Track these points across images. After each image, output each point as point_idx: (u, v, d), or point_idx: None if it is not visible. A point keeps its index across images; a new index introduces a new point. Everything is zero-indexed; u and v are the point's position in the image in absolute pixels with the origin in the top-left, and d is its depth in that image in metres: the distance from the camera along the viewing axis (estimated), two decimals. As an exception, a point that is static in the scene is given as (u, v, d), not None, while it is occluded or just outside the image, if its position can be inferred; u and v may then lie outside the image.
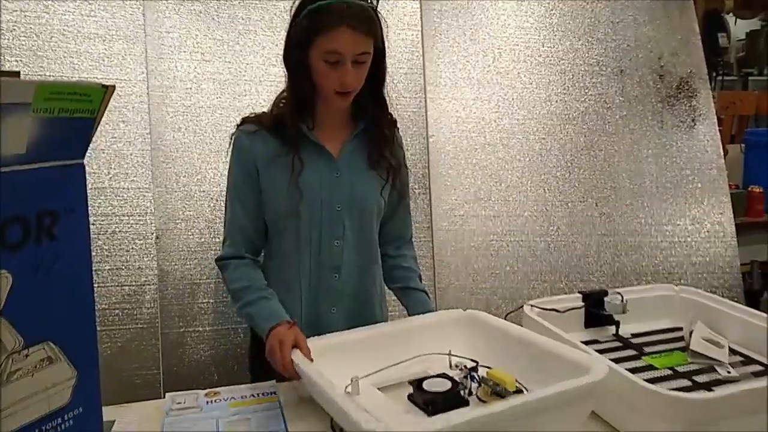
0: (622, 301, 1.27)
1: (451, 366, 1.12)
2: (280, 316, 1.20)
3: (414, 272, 1.45)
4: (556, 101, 2.22)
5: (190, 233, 1.84)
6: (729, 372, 1.13)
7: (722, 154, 2.33)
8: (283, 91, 1.31)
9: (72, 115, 0.83)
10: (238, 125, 1.32)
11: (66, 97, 0.81)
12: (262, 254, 1.39)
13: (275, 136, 1.28)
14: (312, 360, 1.07)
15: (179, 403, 1.09)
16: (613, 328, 1.29)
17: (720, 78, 3.78)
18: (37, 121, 0.78)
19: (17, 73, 0.83)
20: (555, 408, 0.87)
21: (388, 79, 1.33)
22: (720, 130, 2.48)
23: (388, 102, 1.35)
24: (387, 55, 1.31)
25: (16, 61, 1.68)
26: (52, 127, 0.81)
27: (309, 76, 1.24)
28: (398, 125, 1.41)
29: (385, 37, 1.29)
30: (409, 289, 1.42)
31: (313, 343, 1.11)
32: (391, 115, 1.38)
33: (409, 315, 1.38)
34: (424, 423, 0.93)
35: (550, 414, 0.88)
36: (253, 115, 1.33)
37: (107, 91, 0.86)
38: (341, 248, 1.31)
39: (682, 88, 2.32)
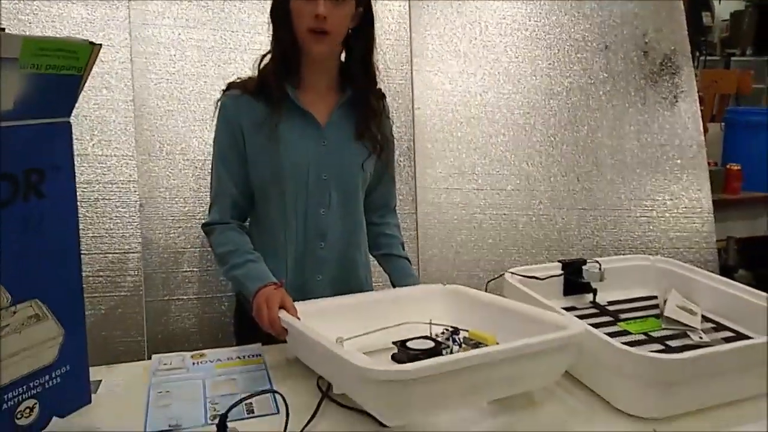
0: (599, 269, 1.31)
1: (431, 334, 1.15)
2: (267, 277, 1.21)
3: (397, 239, 1.47)
4: (541, 76, 2.23)
5: (174, 201, 1.84)
6: (701, 337, 1.17)
7: (702, 131, 2.36)
8: (266, 53, 1.30)
9: (59, 72, 0.83)
10: (223, 90, 1.32)
11: (53, 54, 0.81)
12: (248, 220, 1.40)
13: (260, 101, 1.27)
14: (299, 319, 1.09)
15: (166, 364, 1.10)
16: (590, 296, 1.32)
17: (703, 57, 3.82)
18: (25, 77, 0.79)
19: (2, 29, 0.83)
20: (532, 358, 0.90)
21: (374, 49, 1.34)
22: (701, 109, 2.52)
23: (377, 74, 1.35)
24: (375, 25, 1.31)
25: (-3, 23, 1.65)
26: (40, 84, 0.81)
27: (290, 23, 1.24)
28: (386, 96, 1.42)
29: (372, 5, 1.29)
30: (391, 256, 1.44)
31: (300, 307, 1.13)
32: (380, 88, 1.38)
33: (392, 281, 1.41)
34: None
35: (527, 364, 0.91)
36: (238, 80, 1.32)
37: (94, 48, 0.86)
38: (327, 216, 1.32)
39: (665, 65, 2.34)
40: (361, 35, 1.28)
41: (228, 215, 1.33)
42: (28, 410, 0.90)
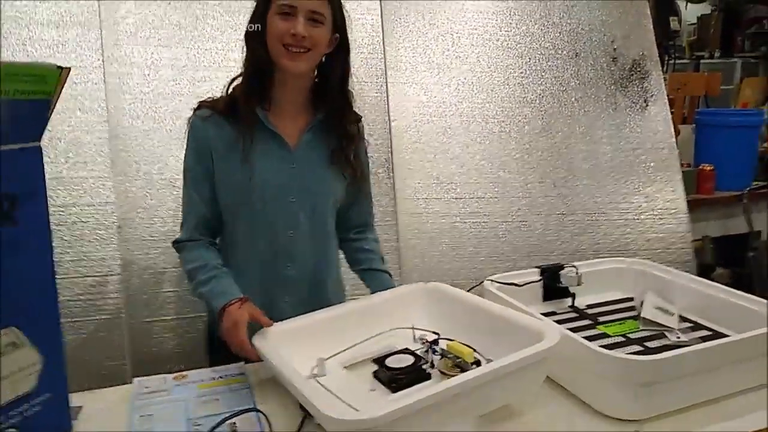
0: (576, 273, 1.32)
1: (415, 339, 1.16)
2: (230, 293, 1.21)
3: (376, 254, 1.47)
4: (514, 84, 2.26)
5: (152, 222, 1.83)
6: (678, 337, 1.19)
7: (674, 133, 2.41)
8: (238, 75, 1.30)
9: (28, 96, 0.82)
10: (193, 110, 1.32)
11: (21, 79, 0.80)
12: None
13: (230, 121, 1.27)
14: (270, 324, 1.09)
15: (147, 387, 1.09)
16: (568, 301, 1.34)
17: (672, 61, 3.89)
18: (-7, 103, 0.78)
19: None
20: (511, 376, 0.91)
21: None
22: (672, 111, 2.57)
23: (353, 99, 1.34)
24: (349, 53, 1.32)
25: (-34, 48, 1.64)
26: (9, 110, 0.80)
27: (264, 40, 1.24)
28: (362, 118, 1.41)
29: (348, 31, 1.30)
30: (371, 270, 1.44)
31: (278, 327, 1.12)
32: (356, 112, 1.37)
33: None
34: (380, 402, 0.94)
35: (507, 383, 0.92)
36: (209, 100, 1.32)
37: (62, 72, 0.85)
38: (295, 237, 1.32)
39: (634, 70, 2.39)
40: (336, 61, 1.29)
41: (197, 233, 1.32)
42: (7, 440, 0.88)
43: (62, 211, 1.71)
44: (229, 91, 1.30)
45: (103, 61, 1.78)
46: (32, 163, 0.89)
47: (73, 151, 1.73)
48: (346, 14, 1.29)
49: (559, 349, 0.94)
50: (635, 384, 0.96)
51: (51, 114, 0.89)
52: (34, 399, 0.92)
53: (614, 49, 2.37)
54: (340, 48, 1.28)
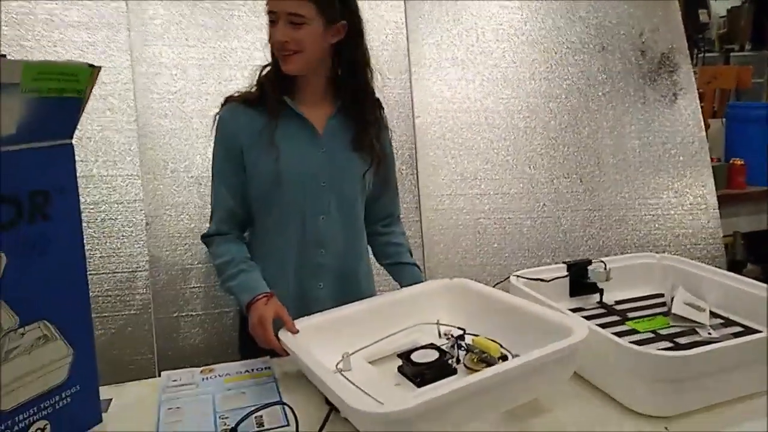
0: (605, 269, 1.30)
1: (440, 335, 1.15)
2: (257, 289, 1.22)
3: (404, 247, 1.47)
4: (540, 79, 2.24)
5: (179, 219, 1.85)
6: (710, 333, 1.17)
7: (704, 127, 2.36)
8: (266, 65, 1.32)
9: (60, 94, 0.84)
10: (221, 104, 1.34)
11: (54, 77, 0.82)
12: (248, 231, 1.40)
13: (259, 111, 1.29)
14: (297, 331, 1.08)
15: (175, 380, 1.11)
16: (596, 296, 1.32)
17: (702, 54, 3.81)
18: (27, 101, 0.80)
19: (2, 56, 0.85)
20: (538, 371, 0.90)
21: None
22: (702, 105, 2.52)
23: (373, 85, 1.35)
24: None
25: (2, 50, 1.68)
26: (41, 107, 0.82)
27: None
28: (384, 107, 1.42)
29: (358, 18, 1.30)
30: (400, 264, 1.44)
31: (304, 322, 1.12)
32: (377, 99, 1.38)
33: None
34: (406, 397, 0.94)
35: (534, 377, 0.91)
36: (236, 94, 1.34)
37: (94, 71, 0.87)
38: (326, 223, 1.33)
39: (663, 63, 2.34)
40: (347, 47, 1.29)
41: (226, 226, 1.34)
42: (39, 431, 0.90)
43: (92, 209, 1.74)
44: (258, 79, 1.33)
45: (131, 61, 1.81)
46: (64, 160, 0.92)
47: (102, 150, 1.76)
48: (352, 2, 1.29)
49: (587, 345, 0.93)
50: (666, 380, 0.94)
51: (82, 112, 0.91)
52: (65, 391, 0.94)
53: (642, 43, 2.33)
54: (351, 34, 1.28)
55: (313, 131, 1.32)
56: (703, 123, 2.36)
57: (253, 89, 1.32)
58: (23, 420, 0.88)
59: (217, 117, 1.33)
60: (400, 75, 2.10)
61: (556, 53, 2.26)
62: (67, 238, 0.94)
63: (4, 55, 0.94)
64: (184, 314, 1.84)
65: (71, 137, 0.92)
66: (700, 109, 2.37)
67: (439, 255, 2.10)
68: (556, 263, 1.37)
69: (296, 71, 1.28)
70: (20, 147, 0.82)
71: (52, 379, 0.93)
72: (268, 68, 1.32)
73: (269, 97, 1.29)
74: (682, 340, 1.14)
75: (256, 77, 1.33)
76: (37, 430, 0.90)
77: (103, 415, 1.01)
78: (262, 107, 1.29)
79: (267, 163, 1.28)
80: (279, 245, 1.34)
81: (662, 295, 1.36)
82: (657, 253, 1.48)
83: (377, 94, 1.38)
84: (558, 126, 2.23)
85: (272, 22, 1.24)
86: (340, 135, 1.34)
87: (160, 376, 1.14)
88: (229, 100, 1.33)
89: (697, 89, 2.39)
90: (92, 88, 0.89)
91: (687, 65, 2.39)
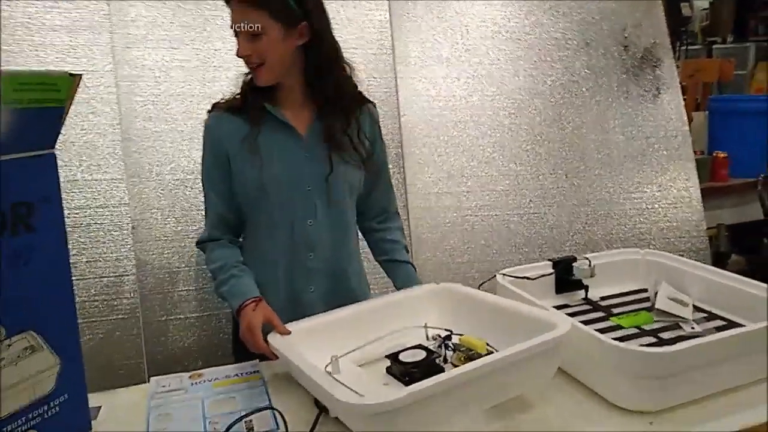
0: (589, 265, 1.32)
1: (428, 338, 1.16)
2: (246, 294, 1.24)
3: (400, 244, 1.47)
4: (524, 76, 2.25)
5: (166, 222, 1.85)
6: (693, 328, 1.18)
7: (687, 121, 2.38)
8: (248, 72, 1.32)
9: (41, 105, 0.84)
10: (208, 111, 1.34)
11: (34, 88, 0.82)
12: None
13: (243, 118, 1.29)
14: (288, 332, 1.10)
15: (164, 386, 1.10)
16: (581, 293, 1.34)
17: (684, 47, 3.84)
18: (7, 112, 0.79)
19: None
20: (521, 365, 0.91)
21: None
22: (685, 99, 2.54)
23: (354, 79, 1.34)
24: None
25: (-20, 55, 1.66)
26: (22, 118, 0.82)
27: None
28: (371, 99, 1.41)
29: (319, 16, 1.27)
30: (395, 262, 1.45)
31: (293, 326, 1.13)
32: (359, 93, 1.38)
33: (396, 288, 1.41)
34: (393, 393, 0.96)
35: (518, 371, 0.92)
36: (222, 100, 1.34)
37: (75, 79, 0.87)
38: (314, 227, 1.33)
39: (646, 58, 2.36)
40: (312, 48, 1.28)
41: (218, 232, 1.35)
42: (28, 441, 0.90)
43: (77, 214, 1.73)
44: (242, 87, 1.32)
45: (114, 64, 1.80)
46: (47, 169, 0.91)
47: (86, 155, 1.75)
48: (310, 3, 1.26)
49: (571, 342, 0.94)
50: (650, 376, 0.95)
51: (64, 121, 0.90)
52: (53, 400, 0.94)
53: (625, 38, 2.35)
54: (314, 33, 1.26)
55: (297, 136, 1.31)
56: (686, 116, 2.38)
57: (238, 96, 1.32)
58: (12, 431, 0.88)
59: (205, 124, 1.34)
60: (385, 74, 2.10)
61: (540, 50, 2.28)
62: (52, 248, 0.93)
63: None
64: (172, 317, 1.83)
65: (53, 146, 0.91)
66: (683, 103, 2.39)
67: (426, 252, 2.11)
68: (543, 259, 1.38)
69: (267, 82, 1.28)
70: (2, 158, 0.82)
71: (40, 390, 0.92)
72: (251, 77, 1.31)
73: (251, 105, 1.29)
74: (666, 335, 1.16)
75: (243, 83, 1.32)
76: (25, 440, 0.90)
77: (93, 422, 1.01)
78: (246, 114, 1.29)
79: (252, 171, 1.29)
80: (269, 250, 1.34)
81: (645, 291, 1.37)
82: (642, 247, 1.50)
83: (360, 88, 1.38)
84: (543, 122, 2.25)
85: (236, 35, 1.24)
86: (323, 137, 1.33)
87: (149, 380, 1.14)
88: (215, 107, 1.34)
89: (680, 82, 2.41)
90: (73, 97, 0.89)
91: (669, 59, 2.41)
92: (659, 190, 2.29)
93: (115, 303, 1.74)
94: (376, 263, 1.50)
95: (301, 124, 1.32)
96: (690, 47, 4.14)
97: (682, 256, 1.42)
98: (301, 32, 1.25)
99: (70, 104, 0.89)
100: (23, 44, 1.72)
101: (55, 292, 0.95)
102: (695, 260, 1.40)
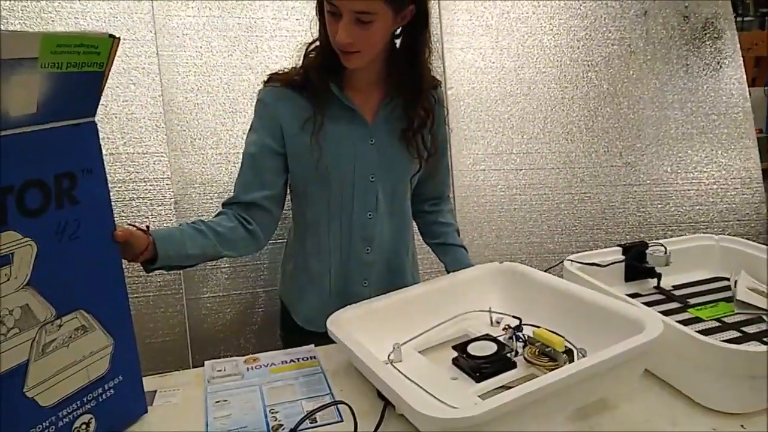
0: (665, 252, 1.23)
1: (492, 322, 1.10)
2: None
3: (452, 227, 1.41)
4: (578, 47, 2.14)
5: (208, 196, 1.80)
6: (777, 321, 1.10)
7: (748, 97, 2.25)
8: (314, 41, 1.20)
9: (81, 69, 0.77)
10: (264, 82, 1.23)
11: (73, 50, 0.75)
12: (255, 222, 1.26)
13: (305, 96, 1.19)
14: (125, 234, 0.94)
15: (219, 370, 1.06)
16: (653, 281, 1.25)
17: (740, 19, 3.65)
18: (46, 77, 0.73)
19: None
20: (611, 370, 0.84)
21: None
22: (743, 74, 2.39)
23: (429, 71, 1.23)
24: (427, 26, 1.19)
25: (20, 23, 1.61)
26: (62, 83, 0.75)
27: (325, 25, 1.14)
28: (441, 82, 1.32)
29: (428, 4, 1.16)
30: (447, 245, 1.38)
31: (351, 311, 1.06)
32: (433, 77, 1.26)
33: (447, 272, 1.34)
34: (467, 393, 0.90)
35: (606, 376, 0.85)
36: (281, 71, 1.23)
37: (114, 41, 0.80)
38: (373, 221, 1.25)
39: (707, 29, 2.22)
40: (410, 32, 1.16)
41: (228, 208, 1.21)
42: (84, 426, 0.87)
43: (119, 187, 1.69)
44: (303, 60, 1.21)
45: (155, 33, 1.74)
46: (89, 139, 0.85)
47: (128, 127, 1.70)
48: None
49: (661, 341, 0.86)
50: (743, 376, 0.88)
51: (104, 87, 0.84)
52: (107, 382, 0.90)
53: (686, 7, 2.21)
54: (417, 17, 1.14)
55: (362, 121, 1.21)
56: (748, 92, 2.24)
57: (298, 70, 1.20)
58: (67, 415, 0.84)
59: (259, 95, 1.22)
60: (432, 44, 2.00)
61: (594, 19, 2.15)
62: (98, 222, 0.88)
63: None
64: (214, 294, 1.80)
65: (94, 114, 0.85)
66: (745, 78, 2.25)
67: (472, 233, 2.04)
68: (594, 241, 1.30)
69: (358, 66, 1.15)
70: (42, 127, 0.76)
71: (94, 371, 0.88)
72: (314, 51, 1.19)
73: (315, 84, 1.17)
74: (749, 329, 1.07)
75: (303, 54, 1.21)
76: (81, 425, 0.86)
77: (149, 407, 0.97)
78: (307, 92, 1.18)
79: (311, 155, 1.18)
80: (322, 242, 1.26)
81: (720, 279, 1.29)
82: (699, 230, 1.41)
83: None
84: (597, 96, 2.13)
85: (332, 15, 1.09)
86: (391, 124, 1.23)
87: (192, 357, 1.10)
88: (271, 78, 1.22)
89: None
90: (113, 61, 0.82)
91: (732, 31, 2.26)
92: (718, 170, 2.17)
93: (158, 279, 1.71)
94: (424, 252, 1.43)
95: (367, 109, 1.22)
96: (744, 19, 3.94)
97: (759, 244, 1.32)
98: (404, 16, 1.13)
99: (110, 69, 0.83)
100: (62, 12, 1.66)
101: (103, 268, 0.90)
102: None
